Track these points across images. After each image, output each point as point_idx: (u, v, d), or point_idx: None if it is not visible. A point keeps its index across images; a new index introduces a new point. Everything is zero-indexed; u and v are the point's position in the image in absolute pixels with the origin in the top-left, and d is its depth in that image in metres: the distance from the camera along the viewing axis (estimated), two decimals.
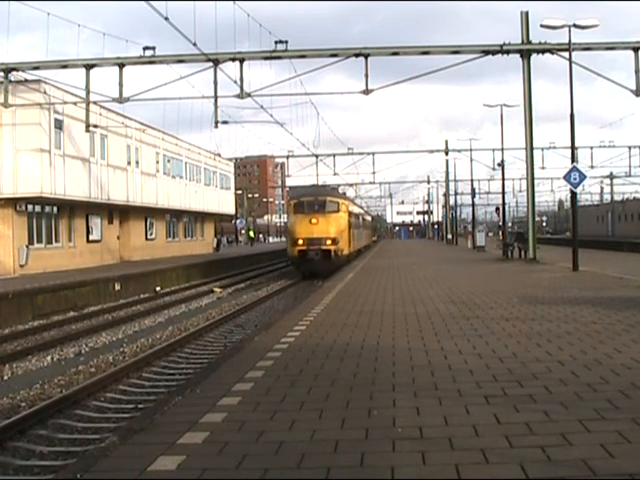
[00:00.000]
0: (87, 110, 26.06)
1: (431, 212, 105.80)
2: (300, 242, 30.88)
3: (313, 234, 30.76)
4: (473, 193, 54.93)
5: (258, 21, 24.26)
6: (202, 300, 24.75)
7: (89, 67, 25.08)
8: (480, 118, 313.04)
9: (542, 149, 54.18)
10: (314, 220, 31.10)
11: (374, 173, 61.13)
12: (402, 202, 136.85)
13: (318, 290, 18.20)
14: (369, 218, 66.92)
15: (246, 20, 23.83)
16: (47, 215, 30.13)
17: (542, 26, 22.94)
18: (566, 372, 6.86)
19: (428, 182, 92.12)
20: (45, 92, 27.40)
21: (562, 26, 22.74)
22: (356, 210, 42.44)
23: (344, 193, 44.95)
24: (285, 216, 72.17)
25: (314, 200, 32.60)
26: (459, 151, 57.46)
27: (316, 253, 30.57)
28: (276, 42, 24.68)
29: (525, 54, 26.41)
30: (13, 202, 27.38)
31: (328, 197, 33.27)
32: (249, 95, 25.56)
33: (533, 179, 28.63)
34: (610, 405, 5.57)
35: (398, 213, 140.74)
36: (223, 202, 53.62)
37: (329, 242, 30.81)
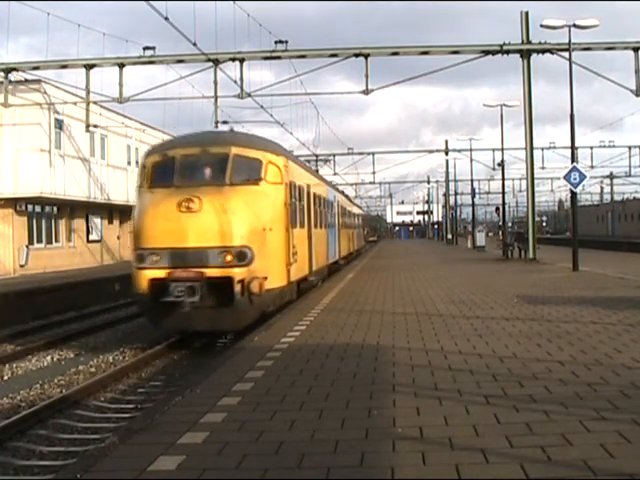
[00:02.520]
0: (87, 110, 26.09)
1: (431, 212, 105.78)
2: (154, 259, 12.81)
3: (187, 239, 12.72)
4: (473, 193, 54.96)
5: (258, 21, 24.37)
6: None
7: (89, 67, 25.13)
8: (478, 120, 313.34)
9: (542, 149, 54.27)
10: (193, 204, 12.66)
11: (374, 173, 61.24)
12: (402, 202, 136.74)
13: (317, 291, 18.19)
14: (355, 210, 44.84)
15: (246, 20, 23.91)
16: (47, 215, 30.14)
17: (542, 26, 22.94)
18: (566, 372, 6.85)
19: (428, 182, 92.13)
20: (45, 92, 27.44)
21: (562, 26, 22.73)
22: (318, 187, 21.26)
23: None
24: None
25: (200, 154, 13.91)
26: (459, 151, 57.47)
27: (192, 288, 12.41)
28: (276, 42, 24.77)
29: (525, 54, 26.43)
30: (13, 202, 27.40)
31: (233, 147, 13.87)
32: (249, 95, 25.59)
33: (533, 179, 28.64)
34: (610, 405, 5.57)
35: (398, 213, 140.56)
36: None
37: (229, 258, 12.67)
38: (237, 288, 12.57)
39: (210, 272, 12.57)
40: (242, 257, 12.69)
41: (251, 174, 13.82)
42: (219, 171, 13.61)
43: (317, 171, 32.91)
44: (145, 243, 13.03)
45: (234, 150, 13.75)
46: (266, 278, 12.96)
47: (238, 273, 12.62)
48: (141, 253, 12.98)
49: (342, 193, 36.28)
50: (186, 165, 13.79)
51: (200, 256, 12.62)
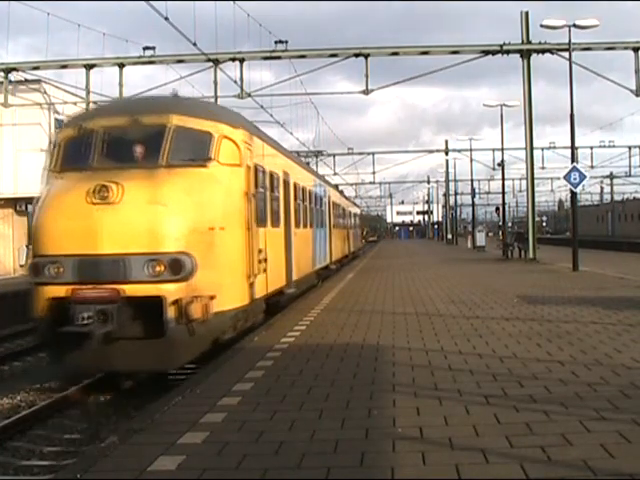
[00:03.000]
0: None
1: (431, 212, 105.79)
2: (54, 270, 9.07)
3: (100, 243, 8.96)
4: (473, 193, 55.00)
5: (258, 21, 24.37)
6: None
7: (89, 67, 25.18)
8: (478, 120, 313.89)
9: (542, 149, 54.41)
10: (110, 193, 8.96)
11: (374, 173, 61.39)
12: (402, 202, 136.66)
13: (317, 291, 18.19)
14: (352, 208, 41.22)
15: (246, 20, 23.93)
16: None
17: (542, 26, 22.94)
18: (566, 372, 6.86)
19: (428, 182, 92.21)
20: (45, 92, 27.48)
21: (562, 26, 22.73)
22: (302, 177, 17.87)
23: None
24: None
25: (128, 126, 9.98)
26: (459, 151, 57.55)
27: (104, 313, 8.66)
28: (276, 42, 24.82)
29: (525, 54, 26.45)
30: (13, 202, 27.43)
31: (174, 116, 9.98)
32: (249, 95, 25.62)
33: (533, 179, 28.66)
34: (610, 405, 5.57)
35: (398, 213, 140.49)
36: None
37: (160, 269, 8.91)
38: (170, 312, 8.82)
39: (131, 289, 8.84)
40: (178, 268, 8.91)
41: (197, 152, 10.03)
42: (153, 148, 9.80)
43: (308, 163, 30.42)
44: (43, 248, 9.37)
45: (175, 120, 9.96)
46: (214, 297, 9.26)
47: (172, 291, 8.88)
48: (37, 262, 9.27)
49: (336, 188, 32.48)
50: (109, 141, 10.01)
51: (117, 267, 8.89)
